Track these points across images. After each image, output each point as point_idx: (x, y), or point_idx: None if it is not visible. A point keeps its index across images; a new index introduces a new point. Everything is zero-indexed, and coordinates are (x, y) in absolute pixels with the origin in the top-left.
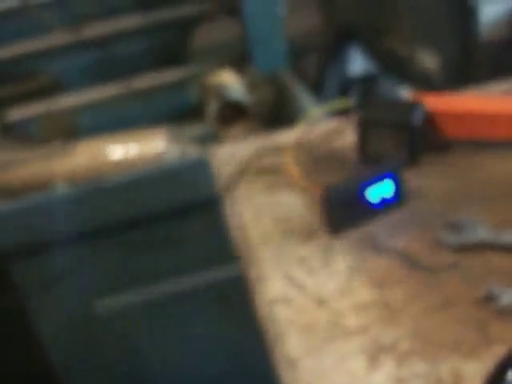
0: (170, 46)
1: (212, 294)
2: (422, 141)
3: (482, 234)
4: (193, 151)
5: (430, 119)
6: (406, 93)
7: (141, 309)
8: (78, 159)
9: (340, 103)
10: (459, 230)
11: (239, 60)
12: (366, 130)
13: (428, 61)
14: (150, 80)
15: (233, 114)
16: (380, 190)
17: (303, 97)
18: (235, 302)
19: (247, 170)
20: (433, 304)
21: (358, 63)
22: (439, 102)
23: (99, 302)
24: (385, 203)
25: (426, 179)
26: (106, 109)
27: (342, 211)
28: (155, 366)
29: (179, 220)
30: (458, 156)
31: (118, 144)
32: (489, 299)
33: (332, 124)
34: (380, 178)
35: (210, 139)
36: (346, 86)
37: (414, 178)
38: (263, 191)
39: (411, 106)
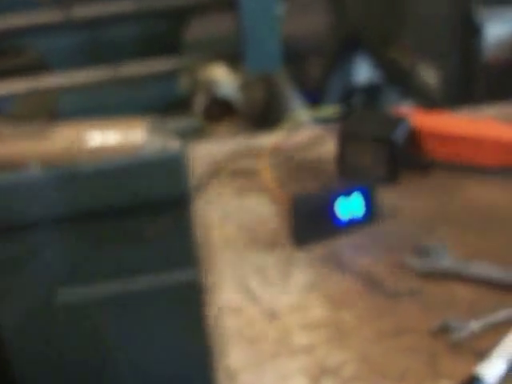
0: (163, 35)
1: (170, 296)
2: (403, 159)
3: (449, 262)
4: (173, 145)
5: (415, 137)
6: (406, 106)
7: (102, 302)
8: (55, 142)
9: (327, 110)
10: (427, 256)
11: (233, 56)
12: (344, 141)
13: (428, 75)
14: (138, 68)
15: (220, 110)
16: (350, 206)
17: (293, 100)
18: (191, 306)
19: (221, 171)
20: (386, 330)
21: (363, 71)
22: (426, 120)
23: (61, 291)
24: (354, 220)
25: (402, 199)
26: (90, 93)
27: (308, 223)
28: (114, 361)
29: (148, 216)
30: (439, 178)
31: (97, 130)
32: (444, 331)
33: (315, 131)
34: (351, 194)
35: (196, 134)
36: (348, 94)
37: (389, 197)
38: (233, 195)
39: (395, 122)
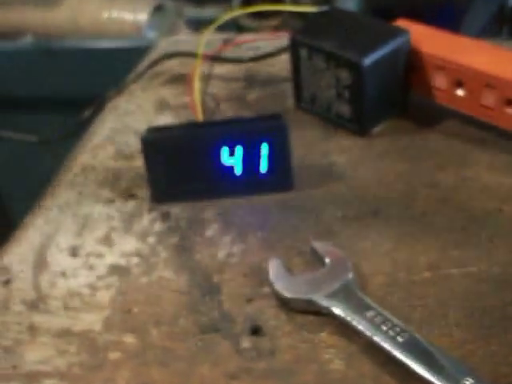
0: None
1: None
2: (387, 95)
3: (333, 294)
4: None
5: (416, 65)
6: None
7: None
8: (59, 13)
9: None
10: (312, 276)
11: None
12: (296, 58)
13: None
14: None
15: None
16: (249, 158)
17: None
18: None
19: (154, 73)
20: None
21: None
22: (436, 42)
23: None
24: (250, 180)
25: (361, 159)
26: None
27: (172, 173)
28: None
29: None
30: (433, 138)
31: (102, 5)
32: None
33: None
34: (251, 139)
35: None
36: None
37: (346, 153)
38: (147, 108)
39: (383, 36)
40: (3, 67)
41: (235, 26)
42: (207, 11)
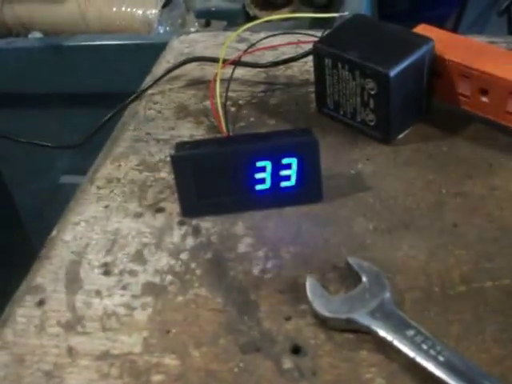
0: None
1: None
2: (412, 103)
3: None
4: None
5: (440, 72)
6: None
7: None
8: (66, 8)
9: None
10: (347, 287)
11: None
12: (320, 66)
13: None
14: None
15: None
16: (280, 172)
17: None
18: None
19: (173, 77)
20: None
21: None
22: (460, 49)
23: None
24: (283, 193)
25: (388, 168)
26: None
27: (201, 188)
28: None
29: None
30: (458, 142)
31: (113, 0)
32: None
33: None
34: (281, 155)
35: (243, 22)
36: None
37: (372, 161)
38: (169, 114)
39: (408, 45)
40: (12, 64)
41: (245, 16)
42: (214, 2)
